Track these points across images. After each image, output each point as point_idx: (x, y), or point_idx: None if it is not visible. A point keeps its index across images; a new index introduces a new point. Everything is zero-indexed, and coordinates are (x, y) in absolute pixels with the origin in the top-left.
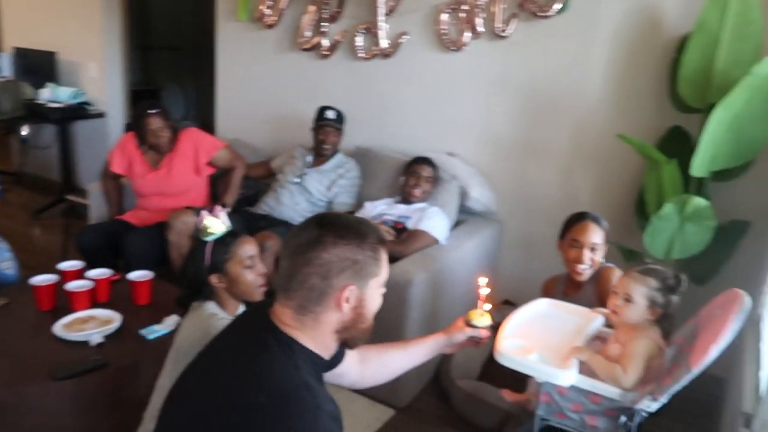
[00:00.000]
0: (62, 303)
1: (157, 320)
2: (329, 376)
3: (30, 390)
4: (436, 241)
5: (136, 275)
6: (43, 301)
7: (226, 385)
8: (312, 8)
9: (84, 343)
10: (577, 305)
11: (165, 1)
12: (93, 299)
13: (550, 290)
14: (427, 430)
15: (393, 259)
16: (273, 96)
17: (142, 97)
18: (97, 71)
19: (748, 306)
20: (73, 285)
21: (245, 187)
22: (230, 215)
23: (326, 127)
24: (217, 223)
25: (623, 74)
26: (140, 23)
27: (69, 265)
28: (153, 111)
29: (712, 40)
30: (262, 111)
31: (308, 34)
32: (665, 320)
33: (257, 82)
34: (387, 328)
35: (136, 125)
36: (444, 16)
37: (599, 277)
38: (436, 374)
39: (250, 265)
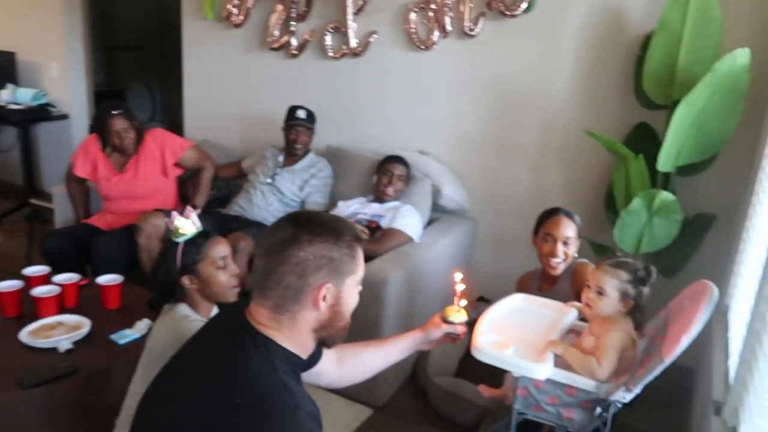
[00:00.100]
0: (28, 309)
1: (128, 325)
2: (306, 376)
3: None
4: (410, 240)
5: (105, 279)
6: (8, 308)
7: (202, 387)
8: (280, 7)
9: (52, 350)
10: (552, 300)
11: None
12: (60, 305)
13: (524, 286)
14: (405, 428)
15: (368, 258)
16: (242, 96)
17: (107, 98)
18: (58, 72)
19: (717, 297)
20: (39, 291)
21: (216, 188)
22: (201, 217)
23: (297, 127)
24: (187, 224)
25: (590, 72)
26: (103, 22)
27: (34, 270)
28: (116, 111)
29: (674, 38)
30: (231, 111)
31: (276, 33)
32: (637, 312)
33: (226, 82)
34: (363, 327)
35: (98, 127)
36: (413, 15)
37: (574, 272)
38: (413, 372)
39: (223, 266)
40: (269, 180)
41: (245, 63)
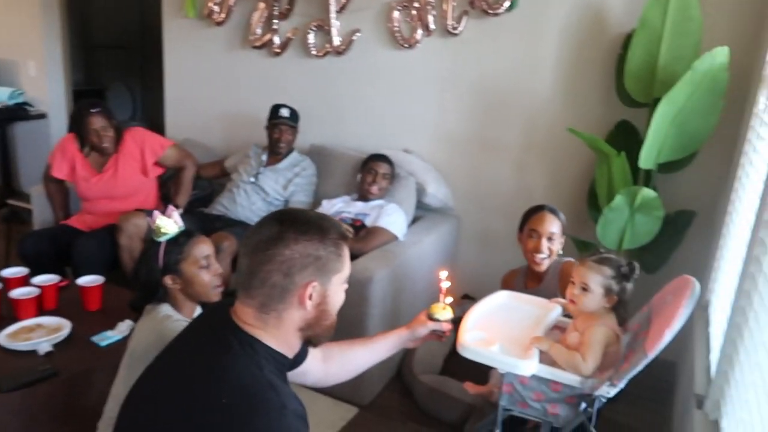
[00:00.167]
0: (6, 312)
1: (110, 326)
2: (292, 376)
3: None
4: (395, 238)
5: (86, 280)
6: None
7: (187, 388)
8: (262, 5)
9: (31, 353)
10: (537, 297)
11: None
12: (40, 307)
13: (509, 283)
14: (391, 426)
15: (353, 257)
16: (224, 94)
17: (86, 97)
18: (36, 70)
19: (698, 291)
20: (17, 292)
21: (198, 188)
22: (184, 216)
23: (281, 126)
24: (169, 223)
25: (572, 70)
26: (82, 20)
27: (12, 272)
28: (94, 110)
29: (655, 37)
30: (213, 110)
31: (259, 31)
32: (620, 307)
33: (208, 81)
34: (348, 325)
35: (76, 125)
36: (396, 14)
37: (561, 271)
38: (399, 370)
39: (206, 265)
40: (252, 179)
41: (227, 61)
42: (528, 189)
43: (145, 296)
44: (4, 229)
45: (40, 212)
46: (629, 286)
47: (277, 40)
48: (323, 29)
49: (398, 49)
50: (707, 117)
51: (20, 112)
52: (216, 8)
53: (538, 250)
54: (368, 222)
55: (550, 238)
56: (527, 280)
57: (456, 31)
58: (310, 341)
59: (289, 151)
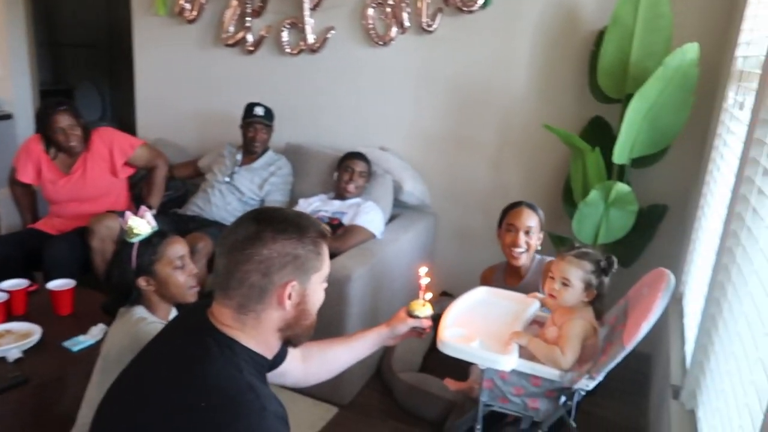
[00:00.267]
0: None
1: (82, 331)
2: (272, 376)
3: None
4: (372, 236)
5: (56, 284)
6: None
7: (164, 392)
8: (234, 3)
9: (0, 360)
10: (515, 292)
11: None
12: (8, 312)
13: (489, 280)
14: (371, 425)
15: (330, 256)
16: (197, 93)
17: (54, 97)
18: (0, 69)
19: (673, 284)
20: None
21: (172, 188)
22: (157, 218)
23: (255, 124)
24: (142, 224)
25: (546, 67)
26: (48, 17)
27: None
28: (61, 107)
29: (626, 34)
30: (186, 109)
31: (232, 29)
32: (597, 301)
33: (180, 80)
34: (327, 324)
35: (42, 125)
36: (370, 11)
37: (545, 270)
38: (378, 369)
39: (180, 266)
40: (227, 179)
41: (200, 60)
42: (504, 185)
43: (118, 299)
44: None
45: (7, 216)
46: (606, 280)
47: (250, 38)
48: (297, 27)
49: (373, 46)
50: (678, 112)
51: None
52: (187, 6)
53: (515, 244)
54: (345, 220)
55: (527, 232)
56: (507, 276)
57: (431, 29)
58: (289, 342)
59: (265, 150)
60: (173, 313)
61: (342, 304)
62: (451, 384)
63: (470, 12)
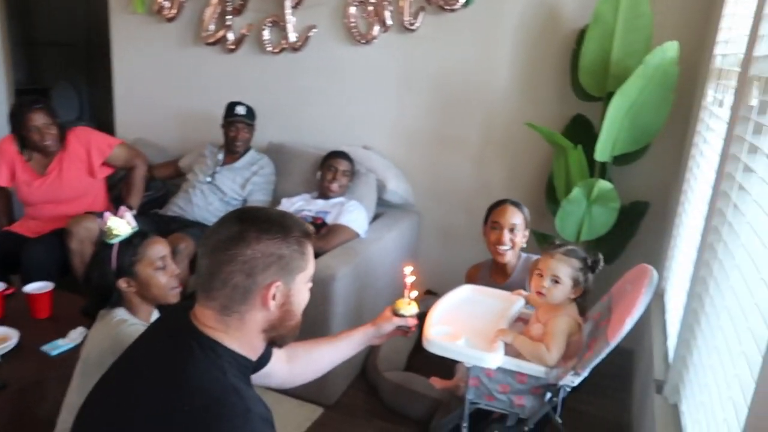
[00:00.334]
0: None
1: (61, 334)
2: (256, 378)
3: None
4: (356, 235)
5: (34, 287)
6: None
7: (147, 394)
8: (214, 0)
9: None
10: (499, 290)
11: None
12: None
13: (474, 277)
14: (357, 425)
15: (314, 255)
16: (177, 92)
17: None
18: None
19: (656, 279)
20: None
21: (152, 189)
22: (137, 218)
23: (237, 124)
24: (122, 224)
25: (528, 66)
26: (22, 15)
27: None
28: (36, 106)
29: (607, 32)
30: (166, 108)
31: (212, 27)
32: (581, 297)
33: (159, 79)
34: (312, 324)
35: (16, 124)
36: (352, 9)
37: (531, 267)
38: (363, 368)
39: (162, 266)
40: (209, 179)
41: (180, 58)
42: (487, 184)
43: (98, 301)
44: None
45: None
46: (591, 277)
47: (231, 36)
48: (278, 25)
49: (355, 45)
50: (659, 110)
51: None
52: (166, 3)
53: (500, 241)
54: (329, 220)
55: (512, 230)
56: (493, 274)
57: (413, 27)
58: (274, 342)
59: (246, 149)
60: (155, 314)
61: (326, 304)
62: (436, 382)
63: (452, 11)
